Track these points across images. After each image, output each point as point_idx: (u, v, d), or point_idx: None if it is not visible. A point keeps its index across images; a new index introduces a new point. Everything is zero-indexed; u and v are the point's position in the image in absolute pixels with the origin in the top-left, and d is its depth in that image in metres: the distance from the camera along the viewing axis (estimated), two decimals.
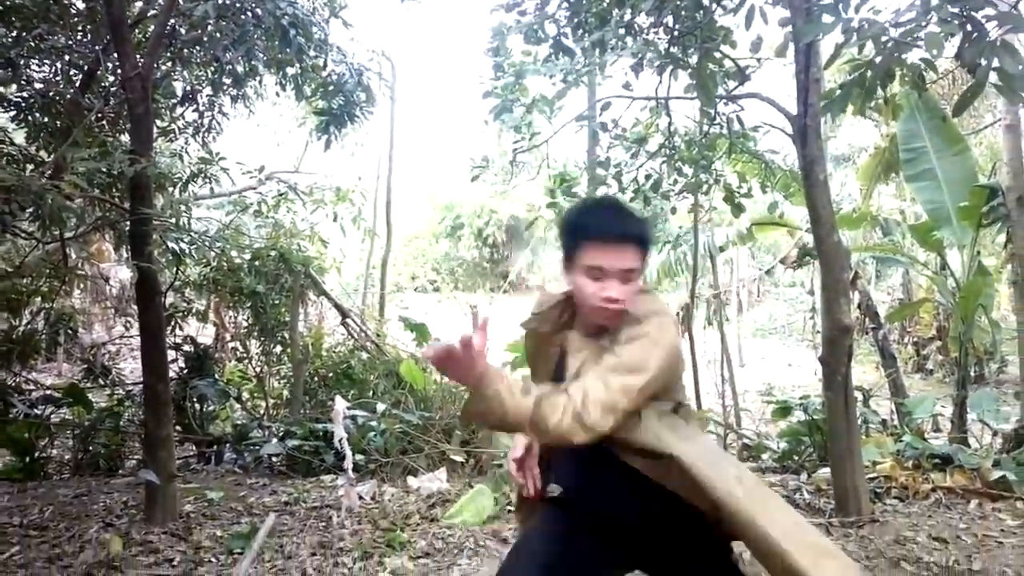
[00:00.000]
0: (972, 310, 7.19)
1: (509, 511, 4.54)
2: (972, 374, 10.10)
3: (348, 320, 7.96)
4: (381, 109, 8.40)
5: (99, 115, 5.70)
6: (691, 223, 8.30)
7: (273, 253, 6.93)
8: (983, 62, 2.87)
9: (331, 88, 6.23)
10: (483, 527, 4.29)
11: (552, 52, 4.79)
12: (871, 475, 5.12)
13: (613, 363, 1.69)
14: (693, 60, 4.66)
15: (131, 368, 7.18)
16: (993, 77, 2.91)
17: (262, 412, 7.25)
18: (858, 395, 6.17)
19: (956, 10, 2.87)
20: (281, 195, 7.21)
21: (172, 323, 6.79)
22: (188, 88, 6.46)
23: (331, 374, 7.26)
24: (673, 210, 7.91)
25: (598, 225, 1.80)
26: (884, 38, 3.03)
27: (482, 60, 5.53)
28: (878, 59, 3.16)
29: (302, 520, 4.47)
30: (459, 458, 5.73)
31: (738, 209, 6.26)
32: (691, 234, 8.47)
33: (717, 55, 4.75)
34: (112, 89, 5.90)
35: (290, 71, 6.23)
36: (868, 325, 9.04)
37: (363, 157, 12.82)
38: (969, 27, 2.89)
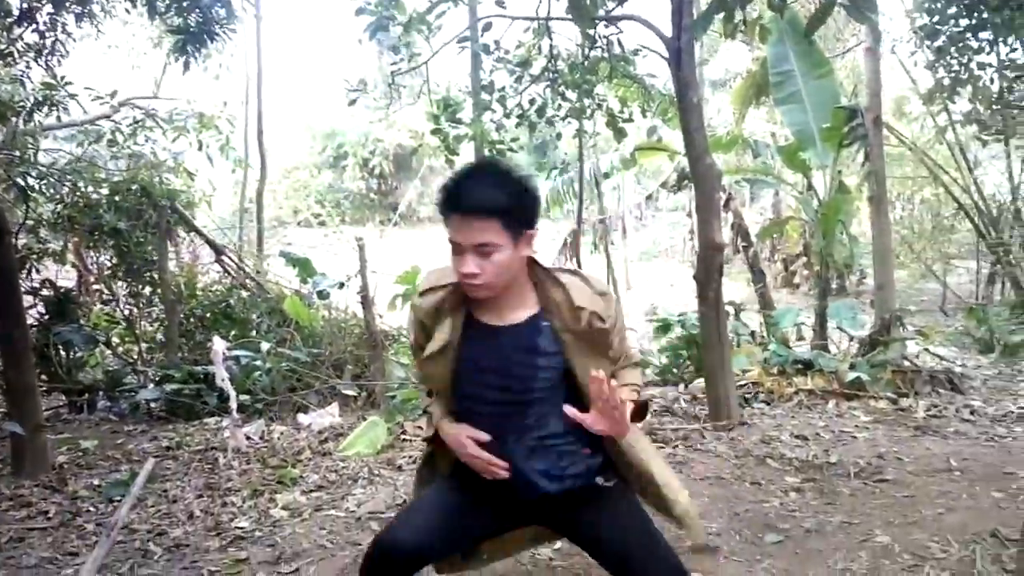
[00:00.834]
0: (832, 227, 7.70)
1: (404, 440, 4.57)
2: (833, 286, 10.91)
3: (224, 257, 7.60)
4: (247, 28, 7.87)
5: None
6: (576, 149, 8.37)
7: (134, 187, 6.46)
8: None
9: (186, 3, 5.73)
10: (377, 457, 4.30)
11: None
12: (741, 382, 5.49)
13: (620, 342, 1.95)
14: None
15: None
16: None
17: (135, 357, 6.90)
18: (730, 309, 6.53)
19: None
20: (138, 123, 6.68)
21: (27, 266, 6.28)
22: (26, 5, 5.79)
23: (208, 314, 6.97)
24: (559, 136, 7.94)
25: (450, 198, 1.71)
26: None
27: None
28: None
29: (186, 464, 4.34)
30: (351, 392, 5.69)
31: (620, 134, 6.34)
32: (577, 161, 8.55)
33: None
34: None
35: None
36: (740, 244, 9.54)
37: (230, 81, 12.04)
38: None
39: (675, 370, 6.26)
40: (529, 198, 1.76)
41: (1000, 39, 6.33)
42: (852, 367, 5.75)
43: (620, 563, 1.86)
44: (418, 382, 2.02)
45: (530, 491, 1.87)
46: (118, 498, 3.74)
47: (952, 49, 6.60)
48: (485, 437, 1.85)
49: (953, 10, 6.31)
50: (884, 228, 7.73)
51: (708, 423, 4.73)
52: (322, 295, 6.86)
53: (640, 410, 1.94)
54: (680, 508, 1.98)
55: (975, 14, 6.17)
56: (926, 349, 6.87)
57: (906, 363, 6.09)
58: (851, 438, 4.52)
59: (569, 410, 1.73)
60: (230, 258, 7.79)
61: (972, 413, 5.02)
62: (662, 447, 4.27)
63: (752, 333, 6.95)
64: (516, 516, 2.01)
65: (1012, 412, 4.99)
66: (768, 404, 5.33)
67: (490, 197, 1.68)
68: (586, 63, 5.74)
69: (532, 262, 1.83)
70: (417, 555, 1.88)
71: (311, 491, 3.83)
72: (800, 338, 8.36)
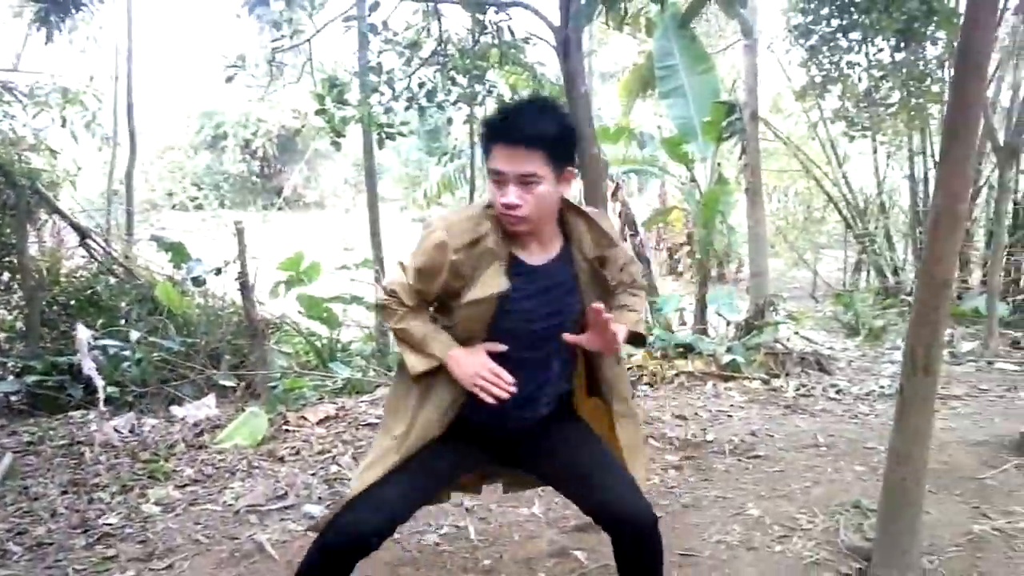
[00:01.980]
0: (712, 217, 8.04)
1: (286, 431, 4.42)
2: (714, 274, 11.40)
3: (89, 241, 7.11)
4: None
5: None
6: (467, 136, 8.33)
7: None
8: None
9: None
10: (257, 449, 4.14)
11: None
12: (627, 366, 5.64)
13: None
14: None
15: None
16: None
17: None
18: None
19: None
20: None
21: None
22: None
23: (73, 301, 6.51)
24: (449, 121, 7.87)
25: (498, 127, 1.72)
26: None
27: None
28: None
29: (49, 459, 4.04)
30: (229, 383, 5.46)
31: None
32: (468, 148, 8.52)
33: None
34: None
35: None
36: (628, 232, 9.80)
37: (98, 55, 11.25)
38: None
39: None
40: (573, 134, 1.78)
41: (868, 39, 6.74)
42: (729, 350, 6.02)
43: (581, 483, 1.91)
44: (403, 300, 1.87)
45: (529, 413, 1.92)
46: None
47: (824, 48, 6.99)
48: (501, 347, 1.84)
49: (825, 11, 6.68)
50: (759, 219, 8.14)
51: None
52: (197, 281, 6.53)
53: (638, 338, 1.99)
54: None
55: (846, 15, 6.56)
56: (797, 332, 7.28)
57: (778, 346, 6.42)
58: (727, 417, 4.72)
59: (568, 337, 1.83)
60: (97, 242, 7.29)
61: (838, 392, 5.35)
62: None
63: None
64: (481, 455, 2.00)
65: (874, 391, 5.35)
66: (651, 386, 5.50)
67: (539, 128, 1.68)
68: (476, 49, 5.71)
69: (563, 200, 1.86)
70: (382, 532, 1.82)
71: (185, 485, 3.65)
72: (682, 323, 8.69)
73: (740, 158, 8.49)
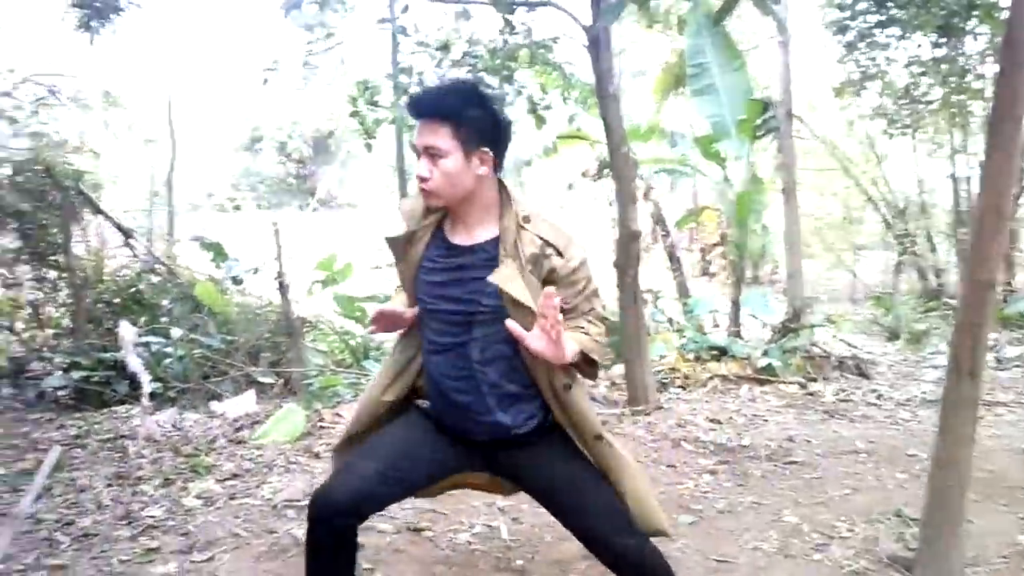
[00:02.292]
0: (746, 217, 7.95)
1: (322, 427, 4.50)
2: (748, 275, 11.28)
3: (132, 241, 7.28)
4: (157, 2, 7.54)
5: None
6: None
7: (37, 167, 6.12)
8: None
9: None
10: (294, 445, 4.22)
11: None
12: (658, 368, 5.63)
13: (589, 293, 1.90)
14: None
15: None
16: None
17: (41, 343, 6.56)
18: (648, 297, 6.68)
19: None
20: (40, 100, 6.33)
21: None
22: None
23: (117, 300, 6.67)
24: None
25: (412, 102, 1.83)
26: None
27: None
28: None
29: (95, 452, 4.17)
30: (268, 380, 5.56)
31: (540, 121, 6.37)
32: None
33: None
34: None
35: None
36: (660, 232, 9.73)
37: (140, 59, 11.52)
38: None
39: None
40: (486, 116, 1.81)
41: (907, 35, 6.63)
42: (764, 353, 5.97)
43: (564, 507, 1.94)
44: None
45: (470, 421, 1.91)
46: (23, 488, 3.57)
47: (861, 44, 6.90)
48: (408, 313, 1.95)
49: (862, 6, 6.59)
50: (795, 218, 8.04)
51: (627, 408, 4.83)
52: (236, 280, 6.67)
53: (590, 365, 1.91)
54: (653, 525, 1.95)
55: (883, 11, 6.47)
56: (835, 336, 7.18)
57: (816, 349, 6.36)
58: (763, 422, 4.69)
59: (510, 324, 1.76)
60: (140, 242, 7.47)
61: (878, 397, 5.27)
62: None
63: (670, 320, 7.12)
64: (462, 457, 2.01)
65: (916, 397, 5.27)
66: (684, 389, 5.47)
67: (444, 103, 1.77)
68: (506, 49, 5.74)
69: (503, 189, 1.89)
70: (355, 508, 1.87)
71: (225, 479, 3.73)
72: (716, 325, 8.62)
73: (775, 157, 8.38)
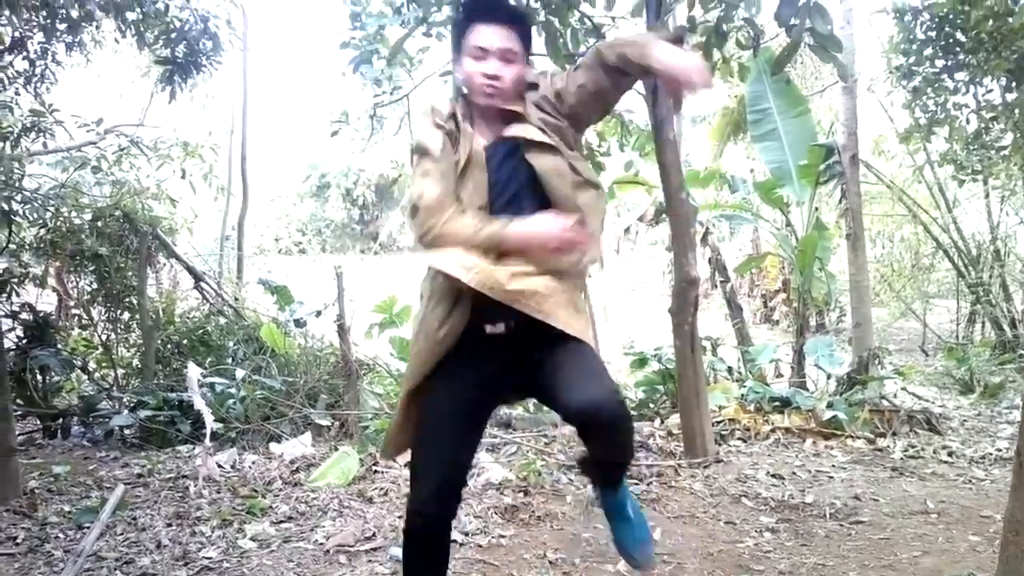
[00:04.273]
0: (810, 263, 7.78)
1: (375, 472, 4.53)
2: (813, 323, 11.00)
3: (203, 284, 7.58)
4: (232, 59, 7.94)
5: None
6: None
7: (116, 213, 6.46)
8: (797, 22, 3.05)
9: (174, 35, 5.81)
10: (348, 488, 4.25)
11: (407, 3, 4.67)
12: (717, 419, 5.49)
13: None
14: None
15: None
16: (810, 38, 3.10)
17: (111, 382, 6.83)
18: (706, 344, 6.56)
19: None
20: (123, 150, 6.70)
21: (7, 289, 6.25)
22: (17, 34, 5.84)
23: (185, 341, 6.92)
24: None
25: (483, 6, 1.94)
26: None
27: (340, 9, 5.31)
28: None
29: (156, 491, 4.27)
30: (324, 422, 5.63)
31: (598, 168, 6.41)
32: None
33: (576, 12, 4.80)
34: None
35: (129, 16, 5.74)
36: (718, 278, 9.60)
37: (216, 111, 12.10)
38: None
39: (651, 405, 6.26)
40: (530, 29, 2.02)
41: (976, 80, 6.47)
42: (830, 405, 5.77)
43: (559, 388, 1.86)
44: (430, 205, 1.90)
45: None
46: (87, 525, 3.68)
47: (928, 89, 6.76)
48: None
49: (929, 51, 6.48)
50: (861, 265, 7.83)
51: (683, 460, 4.71)
52: (299, 323, 6.84)
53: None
54: None
55: (951, 56, 6.34)
56: (904, 388, 6.91)
57: (884, 402, 6.12)
58: (827, 478, 4.52)
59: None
60: (209, 285, 7.76)
61: (950, 454, 5.03)
62: (636, 484, 4.25)
63: (729, 369, 6.97)
64: (497, 391, 2.05)
65: (991, 454, 5.01)
66: (744, 442, 5.32)
67: (517, 12, 2.00)
68: None
69: None
70: (444, 506, 1.97)
71: (280, 522, 3.78)
72: (778, 375, 8.39)
73: (840, 202, 8.20)
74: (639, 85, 4.67)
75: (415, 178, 1.94)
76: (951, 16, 6.14)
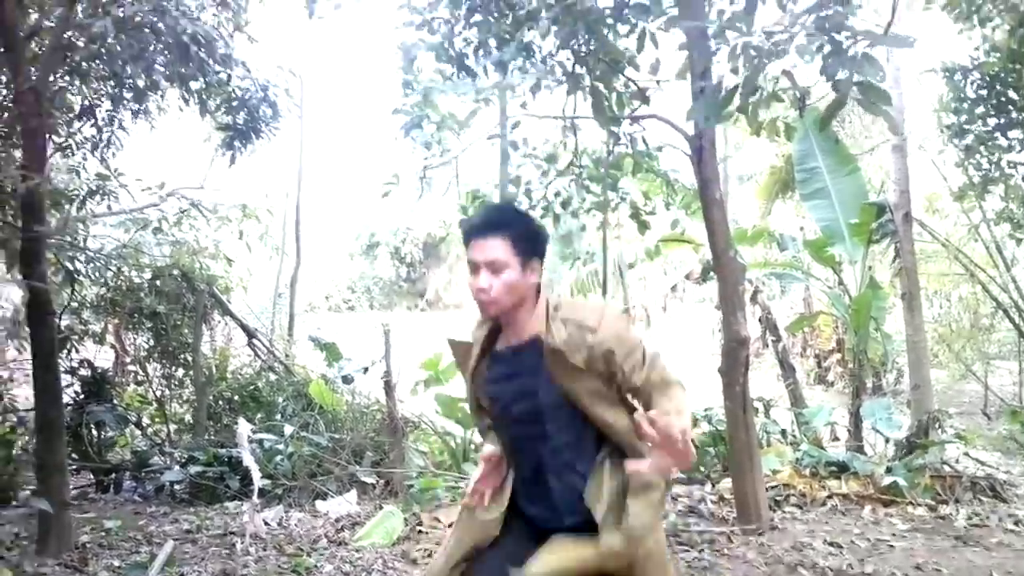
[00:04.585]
0: (864, 323, 7.58)
1: (420, 532, 4.50)
2: (870, 385, 10.67)
3: (255, 340, 7.75)
4: (289, 125, 8.26)
5: None
6: (600, 240, 8.46)
7: (175, 272, 6.69)
8: (844, 75, 3.05)
9: (235, 103, 6.10)
10: (392, 548, 4.23)
11: (456, 71, 4.83)
12: (771, 483, 5.31)
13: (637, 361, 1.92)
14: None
15: (25, 394, 6.79)
16: (857, 93, 3.09)
17: (163, 438, 6.96)
18: (758, 406, 6.40)
19: (821, 25, 3.04)
20: (183, 212, 6.98)
21: (67, 346, 6.48)
22: (86, 102, 6.20)
23: (237, 397, 7.05)
24: (583, 228, 8.05)
25: (467, 224, 2.00)
26: (753, 55, 3.18)
27: (392, 77, 5.52)
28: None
29: (204, 548, 4.32)
30: (370, 480, 5.64)
31: (643, 226, 6.43)
32: (600, 251, 8.63)
33: (622, 77, 4.90)
34: (4, 103, 5.61)
35: (193, 86, 6.05)
36: (769, 338, 9.42)
37: (272, 174, 12.56)
38: (833, 42, 3.06)
39: (701, 468, 6.10)
40: (535, 228, 2.00)
41: None
42: (888, 471, 5.55)
43: None
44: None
45: (553, 521, 1.97)
46: None
47: (981, 147, 6.66)
48: (492, 452, 2.07)
49: (980, 110, 6.41)
50: (918, 325, 7.62)
51: (736, 526, 4.57)
52: (346, 380, 6.92)
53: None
54: None
55: (1003, 114, 6.27)
56: (967, 453, 6.61)
57: (946, 468, 5.87)
58: (887, 547, 4.34)
59: (630, 464, 1.83)
60: (261, 341, 7.93)
61: (1017, 523, 4.79)
62: (687, 551, 4.13)
63: (783, 431, 6.76)
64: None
65: None
66: (800, 508, 5.14)
67: (501, 220, 1.95)
68: (610, 158, 5.90)
69: (539, 294, 2.00)
70: None
71: None
72: (834, 438, 8.12)
73: (894, 261, 8.04)
74: (684, 144, 4.71)
75: None
76: (1002, 75, 6.08)
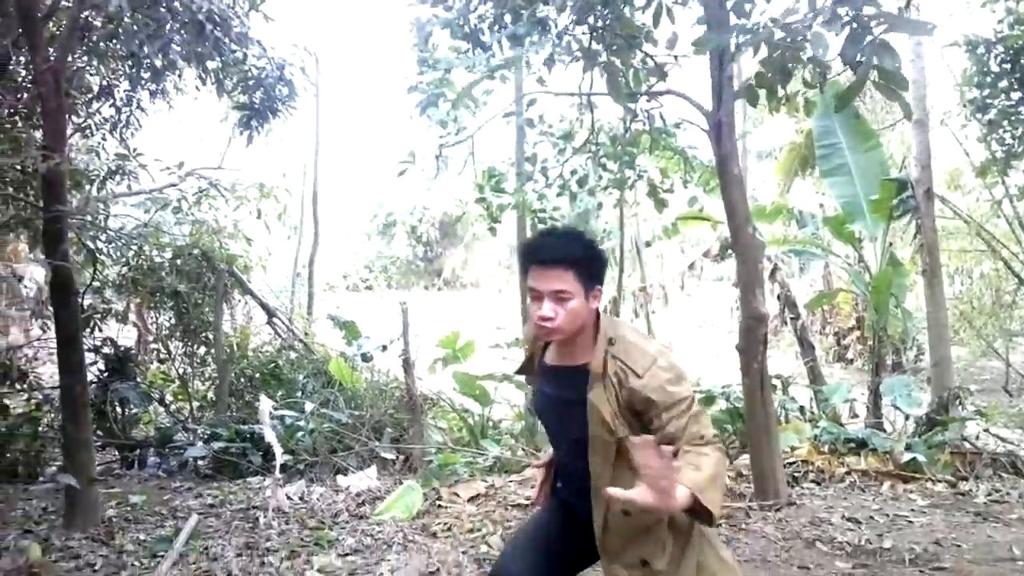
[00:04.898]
0: (884, 300, 7.53)
1: (439, 506, 4.55)
2: (890, 362, 10.62)
3: (275, 319, 7.82)
4: (306, 104, 8.27)
5: (11, 110, 5.46)
6: (617, 218, 8.45)
7: (195, 251, 6.76)
8: (863, 60, 3.01)
9: (252, 82, 6.10)
10: (412, 522, 4.28)
11: (470, 47, 4.79)
12: (789, 460, 5.32)
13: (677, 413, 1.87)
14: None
15: (50, 372, 6.92)
16: (876, 76, 3.06)
17: (186, 414, 7.07)
18: (776, 383, 6.39)
19: (841, 11, 3.00)
20: (202, 192, 7.04)
21: (91, 324, 6.57)
22: (105, 83, 6.24)
23: (258, 374, 7.14)
24: (600, 206, 8.03)
25: (531, 250, 1.98)
26: (776, 38, 3.15)
27: (408, 54, 5.50)
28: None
29: (228, 522, 4.38)
30: (390, 456, 5.70)
31: (661, 204, 6.41)
32: (618, 229, 8.62)
33: (638, 52, 4.84)
34: (24, 84, 5.65)
35: (210, 65, 6.06)
36: (788, 315, 9.37)
37: (289, 153, 12.61)
38: (852, 27, 3.03)
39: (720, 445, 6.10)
40: (598, 256, 1.99)
41: None
42: (908, 447, 5.53)
43: None
44: None
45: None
46: (162, 554, 3.81)
47: (1004, 122, 6.56)
48: (543, 461, 2.26)
49: (1004, 84, 6.30)
50: (939, 302, 7.55)
51: (754, 502, 4.58)
52: (365, 357, 6.98)
53: (702, 512, 1.77)
54: None
55: None
56: (987, 430, 6.57)
57: (966, 444, 5.84)
58: (906, 523, 4.33)
59: (611, 492, 1.74)
60: (281, 320, 8.00)
61: None
62: None
63: (801, 408, 6.75)
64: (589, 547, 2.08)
65: None
66: (818, 484, 5.14)
67: (567, 250, 1.92)
68: (627, 136, 5.86)
69: (599, 318, 2.00)
70: None
71: (346, 555, 3.82)
72: (853, 415, 8.09)
73: (915, 238, 7.95)
74: (702, 121, 4.67)
75: None
76: None
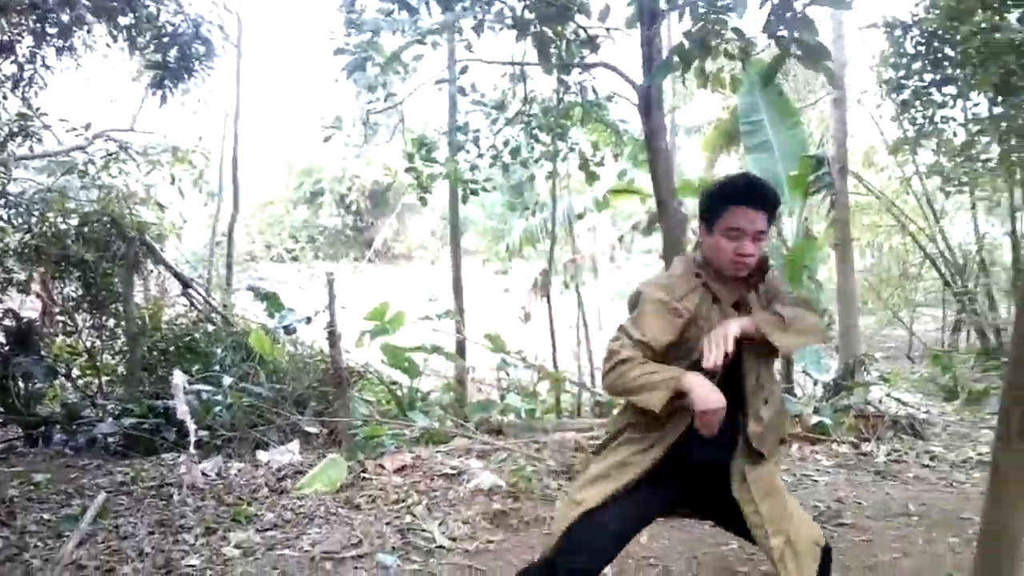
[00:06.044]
0: (798, 272, 7.79)
1: (364, 478, 4.49)
2: None
3: (190, 290, 7.53)
4: (226, 65, 7.93)
5: None
6: (550, 191, 8.46)
7: (103, 218, 6.42)
8: (785, 33, 3.07)
9: (166, 40, 5.80)
10: (336, 496, 4.22)
11: (397, 8, 4.66)
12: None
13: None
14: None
15: None
16: (797, 49, 3.13)
17: (95, 389, 6.77)
18: None
19: None
20: (111, 155, 6.68)
21: None
22: (5, 37, 5.82)
23: (172, 348, 6.86)
24: (532, 177, 8.02)
25: (744, 191, 2.13)
26: (701, 9, 3.17)
27: (334, 15, 5.30)
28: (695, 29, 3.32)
29: (139, 499, 4.23)
30: (313, 429, 5.59)
31: (592, 177, 6.44)
32: (550, 201, 8.63)
33: (571, 23, 4.81)
34: None
35: (121, 20, 5.73)
36: None
37: (209, 116, 12.08)
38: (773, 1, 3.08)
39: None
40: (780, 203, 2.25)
41: (963, 94, 6.53)
42: (816, 411, 5.77)
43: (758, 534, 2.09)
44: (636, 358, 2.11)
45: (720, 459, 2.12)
46: (67, 534, 3.63)
47: (917, 102, 6.81)
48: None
49: (918, 65, 6.53)
50: (848, 274, 7.88)
51: None
52: (288, 330, 6.80)
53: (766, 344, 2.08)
54: (775, 551, 2.06)
55: (939, 70, 6.39)
56: (889, 394, 6.92)
57: (870, 408, 6.12)
58: (812, 482, 4.53)
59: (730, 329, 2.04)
60: (197, 291, 7.71)
61: (932, 459, 5.05)
62: None
63: None
64: (676, 497, 2.22)
65: (972, 458, 5.04)
66: None
67: (768, 194, 2.14)
68: (560, 108, 5.84)
69: None
70: (607, 555, 2.13)
71: (266, 530, 3.74)
72: None
73: (829, 212, 8.26)
74: (632, 94, 4.68)
75: (619, 332, 2.16)
76: (940, 31, 6.19)
